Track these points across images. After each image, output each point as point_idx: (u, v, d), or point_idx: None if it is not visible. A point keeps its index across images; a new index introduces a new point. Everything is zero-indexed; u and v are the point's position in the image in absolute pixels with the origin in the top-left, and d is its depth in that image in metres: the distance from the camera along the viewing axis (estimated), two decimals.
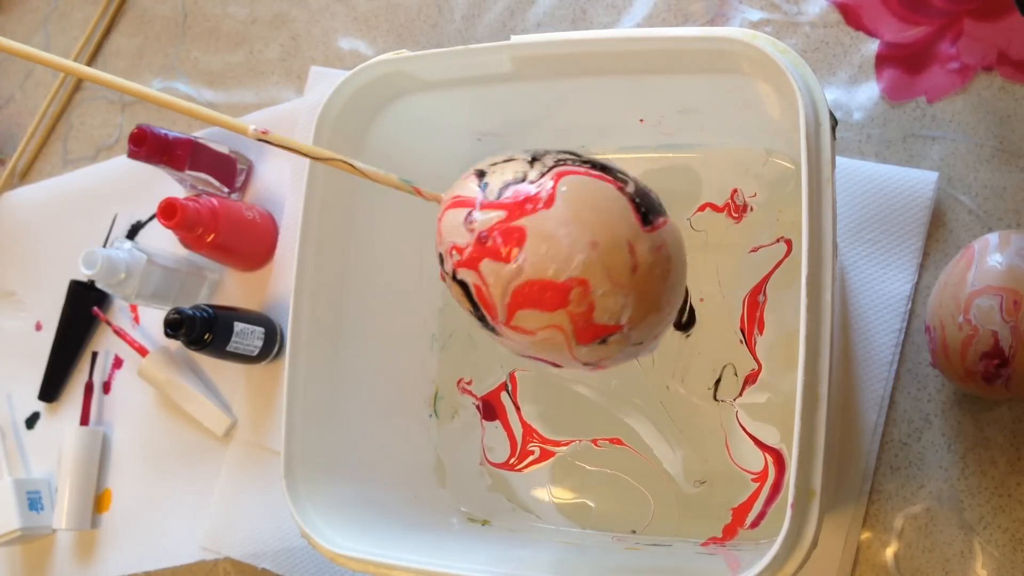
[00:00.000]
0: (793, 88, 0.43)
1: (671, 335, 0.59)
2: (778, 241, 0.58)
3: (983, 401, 0.55)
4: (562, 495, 0.62)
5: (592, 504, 0.61)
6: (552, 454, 0.62)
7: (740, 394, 0.58)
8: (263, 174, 0.79)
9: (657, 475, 0.59)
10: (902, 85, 0.61)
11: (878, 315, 0.58)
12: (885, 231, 0.59)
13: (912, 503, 0.56)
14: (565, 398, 0.62)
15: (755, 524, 0.56)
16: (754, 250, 0.59)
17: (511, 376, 0.64)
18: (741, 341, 0.58)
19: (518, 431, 0.63)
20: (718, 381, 0.58)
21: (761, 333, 0.58)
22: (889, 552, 0.56)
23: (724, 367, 0.58)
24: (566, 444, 0.62)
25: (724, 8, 0.67)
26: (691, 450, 0.59)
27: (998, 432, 0.55)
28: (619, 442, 0.60)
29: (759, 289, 0.58)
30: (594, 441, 0.61)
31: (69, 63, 0.41)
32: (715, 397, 0.58)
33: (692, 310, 0.59)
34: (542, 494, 0.62)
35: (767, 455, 0.56)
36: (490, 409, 0.65)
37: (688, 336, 0.59)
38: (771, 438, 0.56)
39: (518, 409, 0.64)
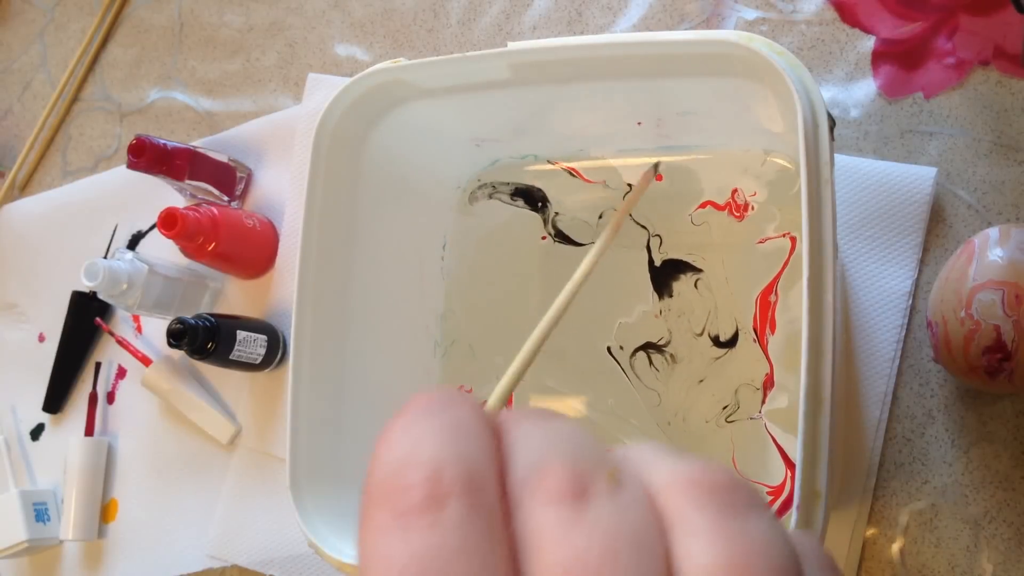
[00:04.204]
0: (790, 90, 0.43)
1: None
2: (783, 236, 0.58)
3: (986, 396, 0.55)
4: None
5: None
6: None
7: (763, 401, 0.57)
8: (262, 182, 0.79)
9: None
10: (899, 81, 0.61)
11: (879, 312, 0.58)
12: (885, 227, 0.59)
13: (917, 499, 0.56)
14: (561, 411, 0.62)
15: None
16: (761, 241, 0.58)
17: None
18: (754, 340, 0.57)
19: None
20: (731, 405, 0.57)
21: (772, 333, 0.57)
22: (895, 548, 0.56)
23: (738, 389, 0.57)
24: None
25: (719, 8, 0.67)
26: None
27: (1002, 426, 0.55)
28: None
29: (770, 289, 0.58)
30: None
31: None
32: (727, 420, 0.57)
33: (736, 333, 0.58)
34: None
35: (788, 469, 0.55)
36: None
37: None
38: (792, 448, 0.55)
39: None
